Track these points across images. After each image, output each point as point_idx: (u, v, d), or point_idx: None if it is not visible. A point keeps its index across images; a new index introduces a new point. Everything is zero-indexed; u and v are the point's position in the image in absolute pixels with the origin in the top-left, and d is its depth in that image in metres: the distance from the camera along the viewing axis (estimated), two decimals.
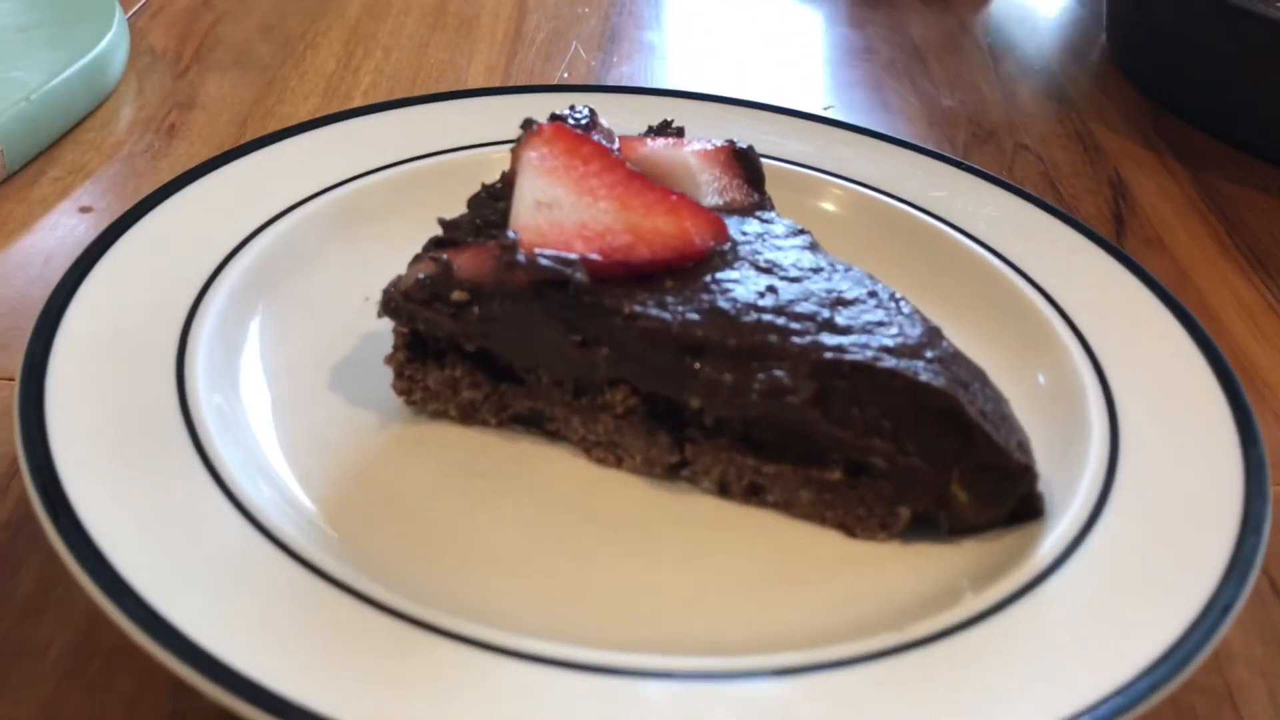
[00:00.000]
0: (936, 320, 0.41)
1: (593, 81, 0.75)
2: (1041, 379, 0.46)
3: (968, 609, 0.36)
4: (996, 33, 0.89)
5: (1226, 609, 0.35)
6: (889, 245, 0.52)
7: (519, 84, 0.73)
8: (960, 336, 0.42)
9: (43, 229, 0.57)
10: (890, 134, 0.60)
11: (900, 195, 0.54)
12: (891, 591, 0.38)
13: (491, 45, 0.78)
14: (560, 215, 0.39)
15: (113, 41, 0.69)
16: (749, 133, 0.55)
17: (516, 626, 0.34)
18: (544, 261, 0.37)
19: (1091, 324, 0.47)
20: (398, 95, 0.70)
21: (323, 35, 0.78)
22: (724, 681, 0.33)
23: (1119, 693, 0.33)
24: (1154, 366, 0.45)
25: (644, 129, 0.49)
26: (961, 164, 0.57)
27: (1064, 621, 0.35)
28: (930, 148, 0.59)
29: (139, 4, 0.79)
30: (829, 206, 0.54)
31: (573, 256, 0.38)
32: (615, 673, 0.33)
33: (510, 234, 0.38)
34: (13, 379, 0.41)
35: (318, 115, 0.61)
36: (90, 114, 0.67)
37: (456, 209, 0.43)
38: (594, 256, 0.38)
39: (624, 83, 0.76)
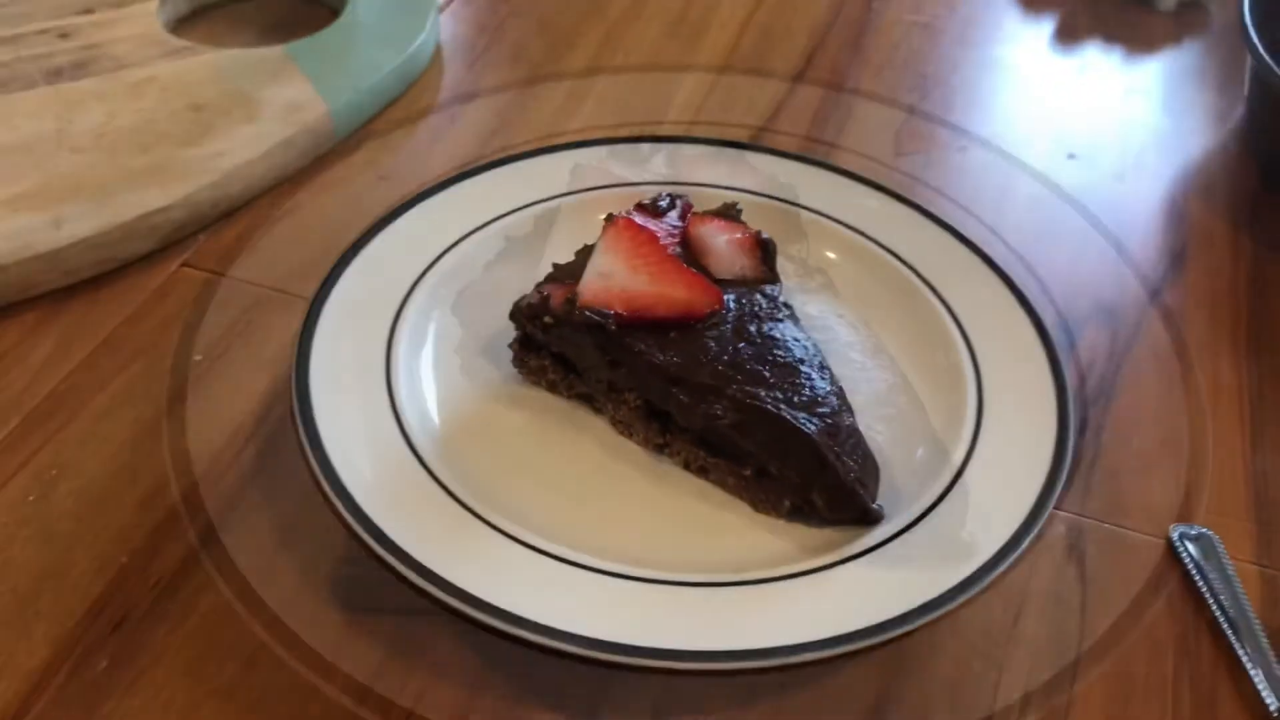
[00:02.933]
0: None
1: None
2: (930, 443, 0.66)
3: (818, 561, 0.58)
4: None
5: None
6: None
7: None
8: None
9: (353, 189, 0.85)
10: None
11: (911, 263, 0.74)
12: (771, 547, 0.60)
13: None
14: (612, 283, 0.62)
15: (426, 39, 0.96)
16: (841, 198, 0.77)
17: (539, 528, 0.59)
18: (590, 314, 0.62)
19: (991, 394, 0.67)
20: (623, 102, 0.94)
21: (583, 35, 1.01)
22: (653, 585, 0.57)
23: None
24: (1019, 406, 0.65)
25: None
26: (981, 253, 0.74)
27: (879, 580, 0.57)
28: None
29: None
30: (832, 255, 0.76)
31: (610, 312, 0.62)
32: (587, 569, 0.57)
33: (578, 292, 0.62)
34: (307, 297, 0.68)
35: (560, 116, 0.86)
36: (402, 94, 0.94)
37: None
38: (623, 313, 0.62)
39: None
